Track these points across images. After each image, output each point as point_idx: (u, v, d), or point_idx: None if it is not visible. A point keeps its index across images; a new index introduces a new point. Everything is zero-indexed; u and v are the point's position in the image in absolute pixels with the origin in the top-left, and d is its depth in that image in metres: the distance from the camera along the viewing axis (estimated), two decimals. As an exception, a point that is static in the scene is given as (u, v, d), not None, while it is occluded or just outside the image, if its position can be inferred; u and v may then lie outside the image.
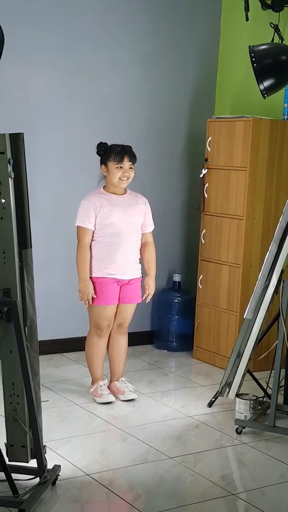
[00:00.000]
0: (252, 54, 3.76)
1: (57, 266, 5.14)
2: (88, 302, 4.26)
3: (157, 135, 5.53)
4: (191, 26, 5.56)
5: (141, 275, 4.41)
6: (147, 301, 4.48)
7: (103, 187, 4.33)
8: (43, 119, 5.04)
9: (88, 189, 4.38)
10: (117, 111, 5.33)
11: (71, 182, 5.14)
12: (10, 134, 2.91)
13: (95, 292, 4.26)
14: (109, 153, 4.22)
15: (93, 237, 4.26)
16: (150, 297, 4.46)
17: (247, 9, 5.04)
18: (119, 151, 4.20)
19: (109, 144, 4.27)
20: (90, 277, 4.26)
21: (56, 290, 5.17)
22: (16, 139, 2.93)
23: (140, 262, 4.42)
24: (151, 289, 4.43)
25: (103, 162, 4.26)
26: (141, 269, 4.43)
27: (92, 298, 4.26)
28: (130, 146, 4.27)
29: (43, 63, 5.00)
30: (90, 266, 4.27)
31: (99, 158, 4.28)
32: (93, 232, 4.25)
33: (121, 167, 4.21)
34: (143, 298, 4.43)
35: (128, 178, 4.25)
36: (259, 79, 3.76)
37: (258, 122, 4.85)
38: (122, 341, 4.45)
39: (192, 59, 5.61)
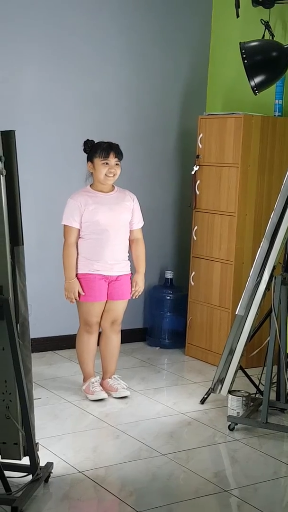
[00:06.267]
0: (243, 51, 3.76)
1: (50, 263, 5.13)
2: (76, 300, 4.27)
3: (148, 132, 5.52)
4: (182, 23, 5.55)
5: (130, 272, 4.41)
6: (134, 297, 4.47)
7: (90, 185, 4.33)
8: (35, 116, 5.02)
9: (80, 186, 4.38)
10: (109, 108, 5.32)
11: (63, 179, 5.13)
12: (1, 131, 2.90)
13: (83, 289, 4.26)
14: (95, 149, 4.22)
15: (80, 235, 4.27)
16: (138, 294, 4.45)
17: (237, 6, 5.04)
18: (105, 148, 4.21)
19: (96, 141, 4.27)
20: (77, 274, 4.27)
21: (49, 287, 5.16)
22: (8, 137, 2.92)
23: (129, 259, 4.41)
24: (139, 286, 4.43)
25: (90, 159, 4.26)
26: (131, 265, 4.43)
27: (80, 294, 4.26)
28: (117, 144, 4.27)
29: (34, 60, 4.99)
30: (77, 263, 4.28)
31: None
32: (80, 230, 4.25)
33: (106, 163, 4.21)
34: (131, 295, 4.43)
35: (114, 175, 4.24)
36: (250, 75, 3.76)
37: (249, 119, 4.85)
38: (114, 339, 4.45)
39: (183, 56, 5.61)
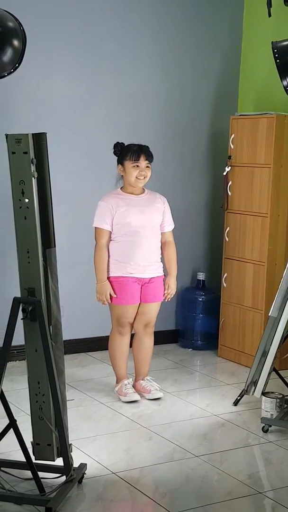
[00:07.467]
0: (275, 50, 3.73)
1: (82, 265, 5.15)
2: (108, 303, 4.28)
3: (180, 133, 5.51)
4: (213, 23, 5.54)
5: (163, 274, 4.40)
6: (166, 300, 4.46)
7: (121, 188, 4.33)
8: (66, 119, 5.05)
9: (110, 189, 4.39)
10: (140, 110, 5.33)
11: (94, 181, 5.15)
12: (33, 134, 2.92)
13: (115, 292, 4.27)
14: (125, 152, 4.22)
15: (111, 237, 4.27)
16: (170, 296, 4.44)
17: (269, 5, 5.00)
18: (135, 150, 4.20)
19: (126, 144, 4.27)
20: (109, 277, 4.28)
21: (81, 289, 5.18)
22: (39, 139, 2.94)
23: (161, 261, 4.41)
24: (171, 289, 4.42)
25: (120, 161, 4.27)
26: (163, 267, 4.42)
27: (112, 297, 4.26)
28: (147, 146, 4.27)
29: (65, 63, 5.02)
30: (109, 265, 4.28)
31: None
32: (111, 232, 4.26)
33: (137, 166, 4.21)
34: (163, 297, 4.42)
35: (144, 177, 4.24)
36: (282, 75, 3.72)
37: (281, 119, 4.82)
38: (147, 342, 4.45)
39: (214, 56, 5.59)
